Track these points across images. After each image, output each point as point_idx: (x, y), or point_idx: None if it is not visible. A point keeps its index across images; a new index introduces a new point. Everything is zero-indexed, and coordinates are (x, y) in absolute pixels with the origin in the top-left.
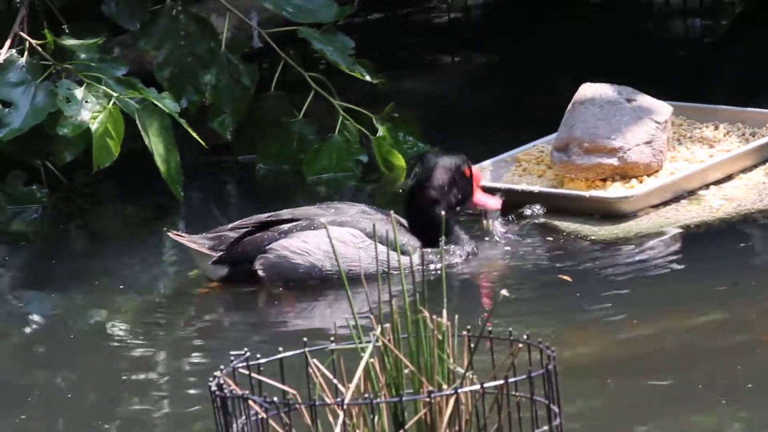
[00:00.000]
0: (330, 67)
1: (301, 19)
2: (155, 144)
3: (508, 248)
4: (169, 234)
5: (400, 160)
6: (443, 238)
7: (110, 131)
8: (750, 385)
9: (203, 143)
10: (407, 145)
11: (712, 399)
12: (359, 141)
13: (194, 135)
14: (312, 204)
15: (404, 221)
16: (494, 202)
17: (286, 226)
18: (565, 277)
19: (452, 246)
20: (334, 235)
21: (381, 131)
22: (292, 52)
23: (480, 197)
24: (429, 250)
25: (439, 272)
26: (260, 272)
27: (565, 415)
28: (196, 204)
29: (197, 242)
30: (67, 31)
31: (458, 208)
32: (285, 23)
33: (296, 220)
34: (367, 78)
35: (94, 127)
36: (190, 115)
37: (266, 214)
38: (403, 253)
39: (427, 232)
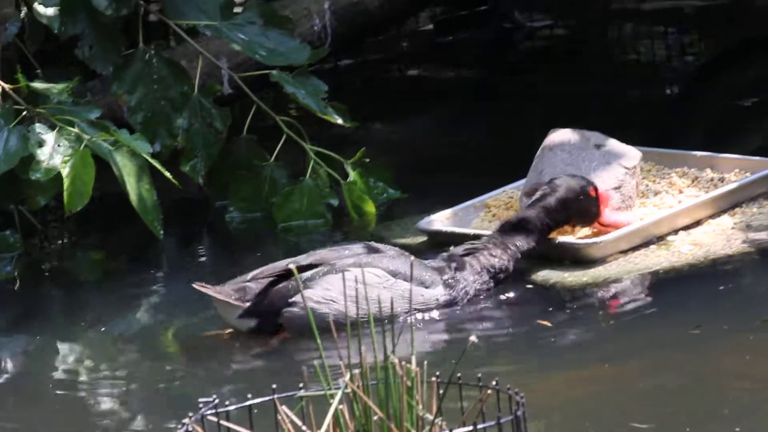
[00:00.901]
0: (301, 110)
1: (273, 63)
2: (131, 185)
3: (479, 294)
4: (194, 285)
5: (370, 206)
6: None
7: (81, 175)
8: (735, 427)
9: (177, 184)
10: (377, 190)
11: None
12: (329, 186)
13: (168, 175)
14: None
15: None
16: (625, 218)
17: (308, 274)
18: (545, 322)
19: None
20: (358, 278)
21: (352, 176)
22: (264, 96)
23: (609, 216)
24: (450, 281)
25: (452, 309)
26: (286, 324)
27: None
28: (171, 248)
29: (223, 293)
30: (40, 75)
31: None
32: (257, 68)
33: (316, 265)
34: (340, 121)
35: (65, 171)
36: (163, 159)
37: (285, 261)
38: (427, 287)
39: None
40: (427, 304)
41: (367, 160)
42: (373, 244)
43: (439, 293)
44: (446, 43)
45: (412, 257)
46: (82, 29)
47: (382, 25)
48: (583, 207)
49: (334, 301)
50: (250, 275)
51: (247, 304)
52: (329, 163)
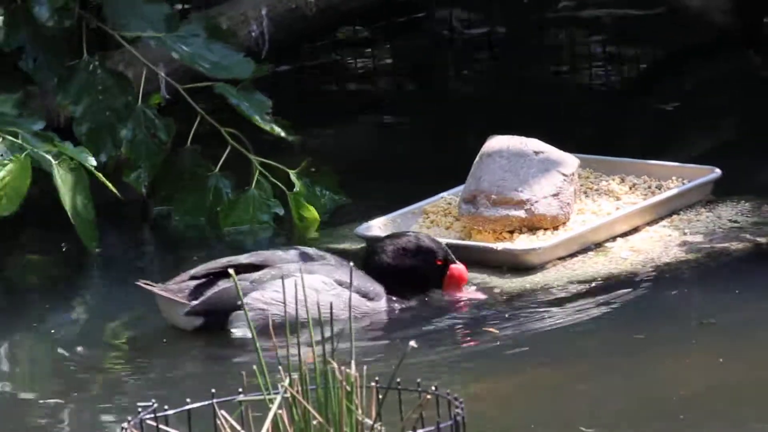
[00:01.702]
0: (241, 117)
1: (217, 75)
2: (69, 198)
3: (417, 299)
4: (138, 284)
5: (313, 213)
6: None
7: (15, 181)
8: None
9: (120, 196)
10: (324, 199)
11: None
12: (274, 195)
13: (112, 189)
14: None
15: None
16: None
17: (256, 275)
18: (492, 330)
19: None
20: (306, 284)
21: (297, 187)
22: (202, 105)
23: (452, 289)
24: (394, 297)
25: (401, 313)
26: (236, 325)
27: None
28: (113, 252)
29: (169, 291)
30: None
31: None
32: (201, 77)
33: (258, 266)
34: (283, 135)
35: (0, 174)
36: (109, 170)
37: (225, 259)
38: (371, 299)
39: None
40: (370, 315)
41: (313, 169)
42: (314, 250)
43: (383, 306)
44: (383, 51)
45: (352, 265)
46: (24, 41)
47: (320, 31)
48: (419, 268)
49: (284, 304)
50: (188, 274)
51: (194, 302)
52: (274, 173)
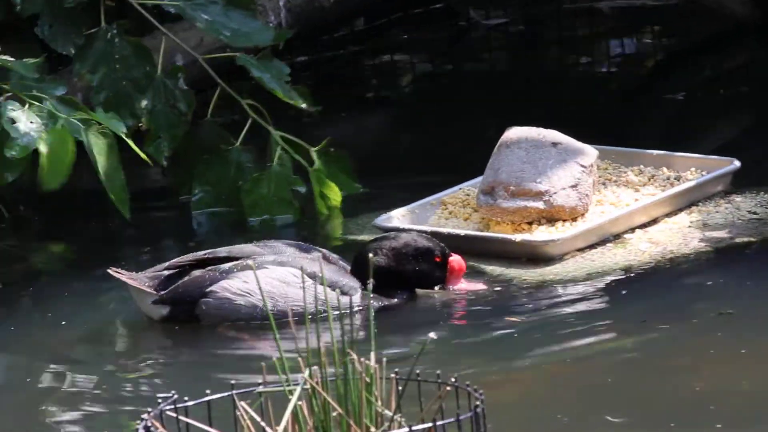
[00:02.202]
0: (259, 98)
1: (238, 43)
2: (101, 163)
3: (436, 291)
4: (109, 271)
5: (336, 194)
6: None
7: (59, 153)
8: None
9: (149, 161)
10: (340, 181)
11: None
12: (294, 172)
13: (140, 153)
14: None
15: (344, 263)
16: (477, 286)
17: (227, 266)
18: (513, 318)
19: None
20: (276, 275)
21: (318, 164)
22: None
23: (458, 284)
24: (373, 294)
25: (378, 313)
26: (201, 314)
27: None
28: (136, 241)
29: (137, 280)
30: (0, 50)
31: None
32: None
33: (234, 258)
34: (304, 106)
35: (43, 149)
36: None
37: (203, 252)
38: (345, 293)
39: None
40: (341, 309)
41: (332, 149)
42: (303, 244)
43: (356, 301)
44: (401, 42)
45: (340, 263)
46: (40, 8)
47: (337, 22)
48: (420, 268)
49: (250, 295)
50: (166, 263)
51: (162, 291)
52: (294, 150)
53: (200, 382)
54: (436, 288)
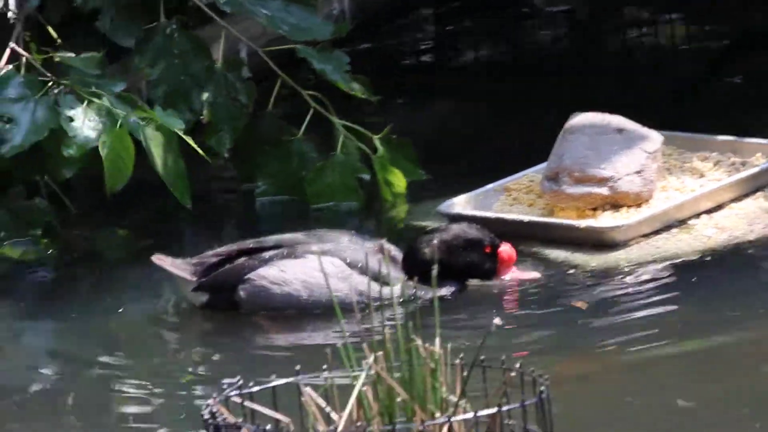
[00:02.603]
0: (320, 89)
1: (297, 38)
2: (158, 155)
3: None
4: (153, 258)
5: (401, 180)
6: (435, 266)
7: (120, 154)
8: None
9: (208, 158)
10: (403, 167)
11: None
12: (359, 160)
13: (198, 150)
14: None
15: (395, 251)
16: (528, 275)
17: (267, 254)
18: (579, 304)
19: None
20: (315, 265)
21: (381, 151)
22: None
23: (510, 274)
24: (414, 284)
25: (425, 304)
26: (239, 301)
27: None
28: (200, 229)
29: (180, 267)
30: (60, 45)
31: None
32: (279, 49)
33: (280, 247)
34: (365, 96)
35: (103, 152)
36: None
37: (251, 240)
38: (386, 284)
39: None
40: (381, 300)
41: (394, 136)
42: (356, 234)
43: (397, 292)
44: (463, 29)
45: (393, 254)
46: (102, 2)
47: (400, 9)
48: (471, 259)
49: (286, 284)
50: (213, 251)
51: (202, 279)
52: (357, 138)
53: (263, 368)
54: (487, 280)
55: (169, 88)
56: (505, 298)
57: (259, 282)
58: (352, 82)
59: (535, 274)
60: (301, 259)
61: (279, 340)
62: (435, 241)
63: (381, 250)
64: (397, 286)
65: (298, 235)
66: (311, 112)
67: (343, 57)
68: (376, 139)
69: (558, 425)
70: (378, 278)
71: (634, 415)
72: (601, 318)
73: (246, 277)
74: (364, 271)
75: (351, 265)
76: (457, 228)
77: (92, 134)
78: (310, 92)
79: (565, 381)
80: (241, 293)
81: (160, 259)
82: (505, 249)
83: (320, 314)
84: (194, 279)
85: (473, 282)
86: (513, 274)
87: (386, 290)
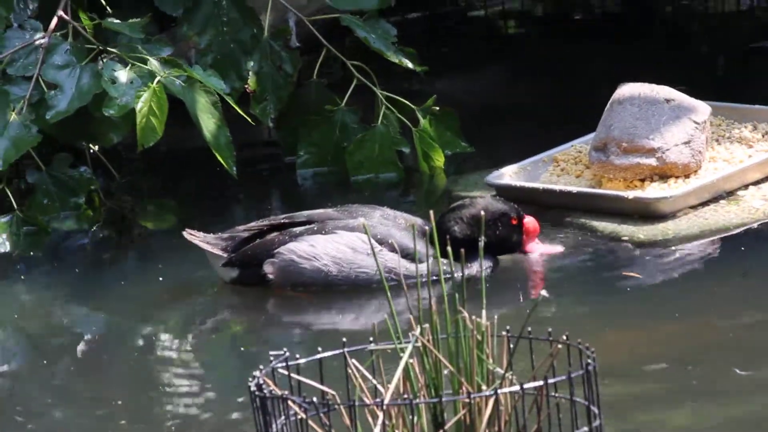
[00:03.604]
0: (367, 60)
1: (344, 6)
2: (204, 120)
3: (548, 252)
4: (184, 233)
5: (439, 155)
6: (482, 237)
7: (154, 110)
8: None
9: (251, 121)
10: (446, 140)
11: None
12: (399, 132)
13: (242, 113)
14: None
15: (427, 227)
16: (552, 249)
17: (297, 230)
18: (632, 274)
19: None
20: (345, 241)
21: (422, 123)
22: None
23: (535, 248)
24: (444, 261)
25: (457, 280)
26: (269, 276)
27: (605, 415)
28: (242, 200)
29: (210, 242)
30: (108, 14)
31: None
32: (324, 20)
33: (311, 222)
34: (411, 66)
35: (138, 106)
36: (233, 101)
37: (282, 216)
38: (418, 260)
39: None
40: (411, 277)
41: (437, 108)
42: (387, 209)
43: (423, 269)
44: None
45: (425, 228)
46: None
47: None
48: (499, 233)
49: (315, 259)
50: (243, 226)
51: (232, 254)
52: (399, 109)
53: (308, 341)
54: (513, 253)
55: (218, 56)
56: (553, 268)
57: (288, 256)
58: (398, 52)
59: (559, 248)
60: (331, 234)
61: (318, 315)
62: (464, 217)
63: (412, 226)
64: (427, 262)
65: (329, 211)
66: (354, 82)
67: (390, 28)
68: (419, 111)
69: (604, 397)
70: (408, 254)
71: (682, 382)
72: (649, 289)
73: (275, 251)
74: (393, 248)
75: (380, 241)
76: (483, 201)
77: (133, 95)
78: (355, 63)
79: (612, 352)
80: (270, 267)
81: (191, 234)
82: (530, 220)
83: (348, 290)
84: (224, 254)
85: (504, 257)
86: (538, 248)
87: (418, 266)
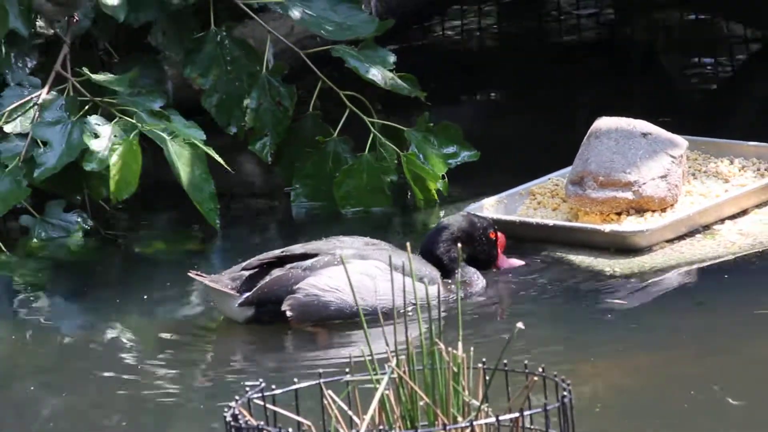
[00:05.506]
0: (365, 84)
1: (340, 37)
2: (185, 174)
3: (523, 282)
4: (190, 274)
5: (432, 179)
6: (459, 269)
7: (128, 163)
8: None
9: (232, 171)
10: (448, 152)
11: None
12: (395, 159)
13: (222, 163)
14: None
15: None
16: (517, 263)
17: (308, 262)
18: (617, 301)
19: (471, 277)
20: (361, 269)
21: (413, 146)
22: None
23: (504, 261)
24: (450, 281)
25: (455, 303)
26: (289, 313)
27: None
28: (235, 237)
29: (219, 282)
30: (116, 61)
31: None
32: (318, 45)
33: (310, 255)
34: (406, 92)
35: (112, 160)
36: (240, 138)
37: (278, 250)
38: (430, 283)
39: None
40: (429, 300)
41: (431, 124)
42: (368, 239)
43: (436, 292)
44: (490, 32)
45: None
46: (154, 16)
47: (428, 11)
48: (484, 248)
49: (339, 290)
50: (242, 264)
51: (246, 293)
52: (396, 134)
53: (286, 372)
54: (488, 268)
55: (223, 96)
56: (528, 300)
57: (310, 291)
58: (395, 79)
59: (520, 262)
60: (347, 264)
61: (309, 347)
62: (455, 234)
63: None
64: (437, 285)
65: (322, 242)
66: (347, 112)
67: (389, 55)
68: (407, 133)
69: (579, 429)
70: (421, 278)
71: (658, 415)
72: (624, 322)
73: (296, 287)
74: (406, 272)
75: (394, 268)
76: (467, 218)
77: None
78: (347, 92)
79: (587, 385)
80: (290, 304)
81: (198, 275)
82: (500, 233)
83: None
84: (237, 294)
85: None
86: (505, 262)
87: (430, 289)
